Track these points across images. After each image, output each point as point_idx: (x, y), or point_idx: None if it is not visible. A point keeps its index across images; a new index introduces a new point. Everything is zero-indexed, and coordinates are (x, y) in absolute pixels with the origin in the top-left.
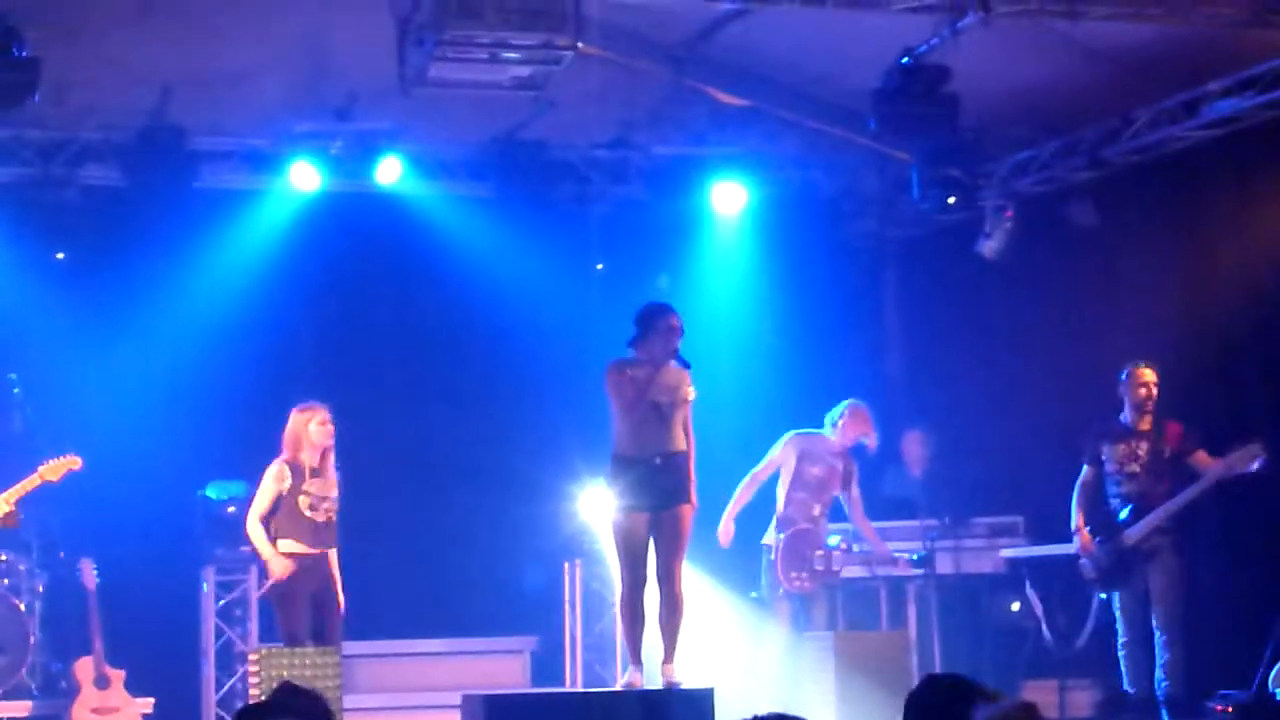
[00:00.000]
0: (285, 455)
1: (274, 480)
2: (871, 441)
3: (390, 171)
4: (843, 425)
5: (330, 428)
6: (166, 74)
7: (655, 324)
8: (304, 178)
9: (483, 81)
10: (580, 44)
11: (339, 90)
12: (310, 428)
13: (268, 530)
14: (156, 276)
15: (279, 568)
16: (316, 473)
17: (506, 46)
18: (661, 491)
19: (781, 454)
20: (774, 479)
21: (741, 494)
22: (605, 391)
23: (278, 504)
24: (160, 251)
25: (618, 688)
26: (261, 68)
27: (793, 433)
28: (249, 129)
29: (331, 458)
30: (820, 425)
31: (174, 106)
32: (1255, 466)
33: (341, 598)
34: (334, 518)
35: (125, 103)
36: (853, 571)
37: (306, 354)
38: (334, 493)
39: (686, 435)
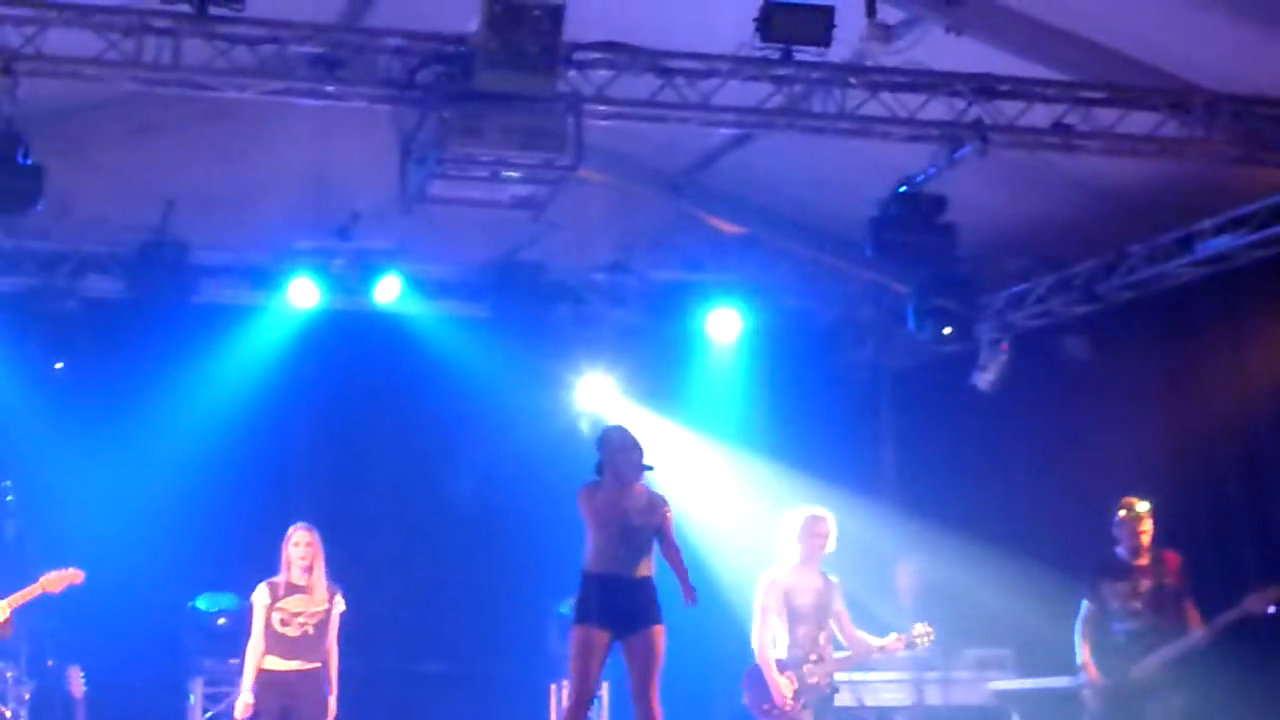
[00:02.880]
0: (273, 576)
1: (256, 602)
2: (829, 544)
3: (389, 290)
4: (802, 546)
5: (303, 548)
6: (170, 189)
7: (612, 443)
8: (303, 294)
9: (483, 200)
10: (581, 168)
11: (340, 209)
12: (288, 549)
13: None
14: (154, 388)
15: (238, 709)
16: (297, 589)
17: (507, 165)
18: (628, 613)
19: (767, 597)
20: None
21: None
22: (579, 513)
23: (266, 623)
24: (159, 364)
25: None
26: (264, 185)
27: (767, 576)
28: (250, 245)
29: (317, 573)
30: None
31: (176, 221)
32: (1271, 610)
33: (331, 708)
34: (311, 631)
35: (128, 216)
36: (842, 701)
37: (301, 468)
38: (317, 607)
39: (671, 549)
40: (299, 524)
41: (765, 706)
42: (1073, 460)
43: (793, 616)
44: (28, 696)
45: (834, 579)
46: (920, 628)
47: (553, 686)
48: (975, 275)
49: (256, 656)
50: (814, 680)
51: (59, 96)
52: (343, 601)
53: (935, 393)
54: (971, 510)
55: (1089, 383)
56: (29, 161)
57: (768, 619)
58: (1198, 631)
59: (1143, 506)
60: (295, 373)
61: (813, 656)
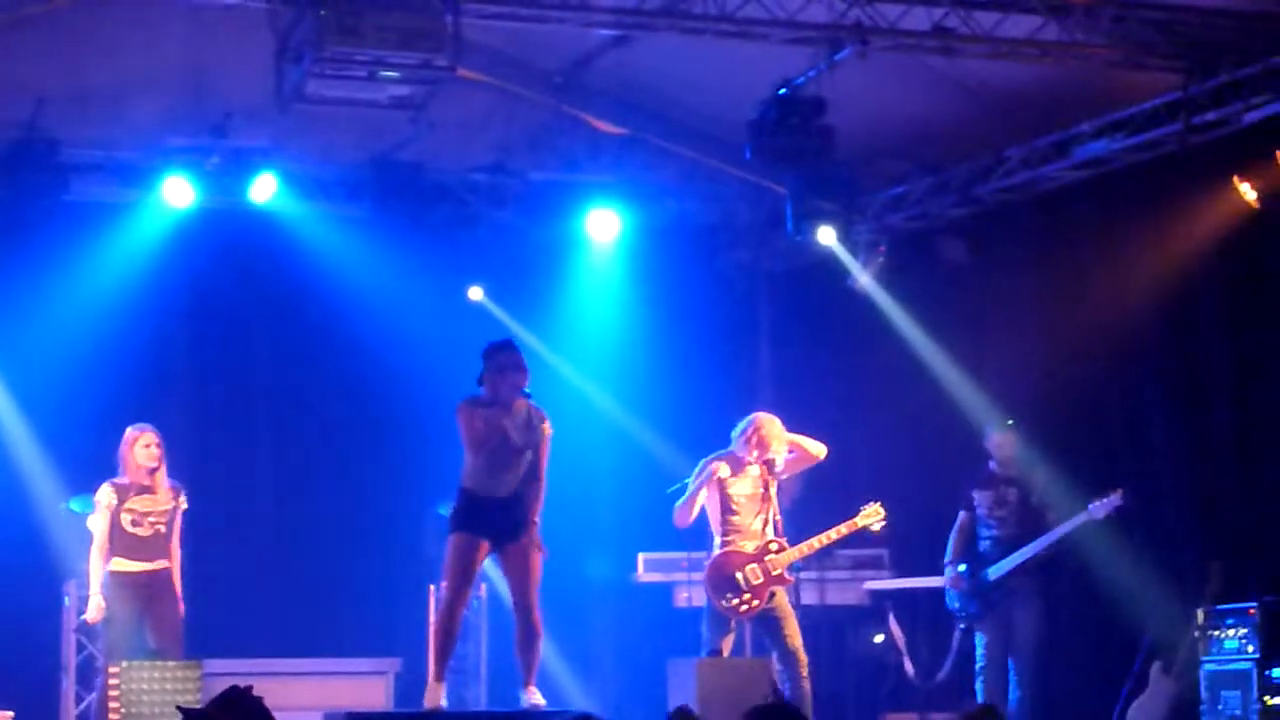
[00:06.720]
0: (115, 477)
1: (101, 502)
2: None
3: (265, 189)
4: (741, 443)
5: (152, 449)
6: (40, 86)
7: (495, 362)
8: (177, 193)
9: (360, 99)
10: (460, 67)
11: (215, 107)
12: (134, 450)
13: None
14: (24, 288)
15: (91, 611)
16: (144, 489)
17: (385, 65)
18: (507, 525)
19: (699, 479)
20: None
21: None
22: (457, 427)
23: (111, 525)
24: (28, 263)
25: (425, 707)
26: (138, 82)
27: (703, 461)
28: (123, 143)
29: (161, 473)
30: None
31: (47, 118)
32: (1105, 513)
33: (180, 609)
34: (163, 530)
35: None
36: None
37: (177, 369)
38: (164, 506)
39: (537, 476)
40: (143, 426)
41: (728, 596)
42: (950, 362)
43: (728, 505)
44: None
45: (775, 464)
46: (870, 508)
47: (431, 587)
48: (853, 177)
49: (104, 558)
50: (777, 572)
51: None
52: (186, 500)
53: (813, 295)
54: (849, 411)
55: (966, 286)
56: None
57: (696, 500)
58: (1046, 538)
59: (1009, 424)
60: (170, 272)
61: (773, 546)
